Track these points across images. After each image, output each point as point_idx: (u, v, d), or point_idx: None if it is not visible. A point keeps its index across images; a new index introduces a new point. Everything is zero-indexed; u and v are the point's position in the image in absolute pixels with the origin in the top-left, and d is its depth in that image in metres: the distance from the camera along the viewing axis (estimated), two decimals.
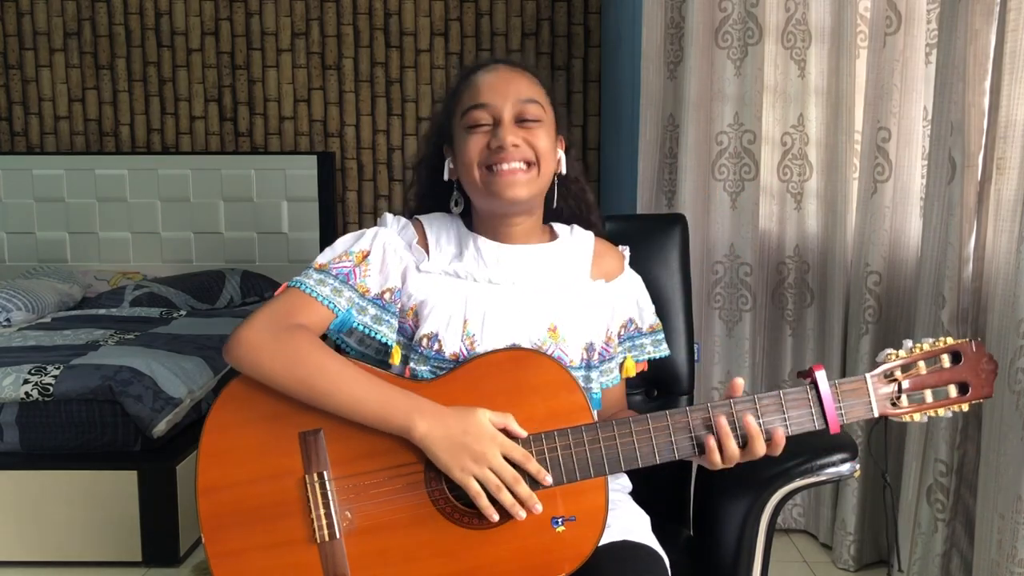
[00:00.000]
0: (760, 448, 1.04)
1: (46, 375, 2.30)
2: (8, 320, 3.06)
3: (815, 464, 1.15)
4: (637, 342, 1.27)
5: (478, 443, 1.01)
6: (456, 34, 3.95)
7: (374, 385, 1.05)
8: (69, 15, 3.95)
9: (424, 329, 1.13)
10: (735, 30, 2.38)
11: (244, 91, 3.99)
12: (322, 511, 1.04)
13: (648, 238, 1.32)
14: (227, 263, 3.90)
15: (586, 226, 1.30)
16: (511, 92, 1.15)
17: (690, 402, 1.52)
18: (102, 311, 3.30)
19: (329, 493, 1.04)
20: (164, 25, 3.95)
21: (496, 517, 1.02)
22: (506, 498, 1.01)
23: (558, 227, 1.28)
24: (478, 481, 1.02)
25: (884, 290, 2.18)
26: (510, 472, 1.02)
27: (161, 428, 2.30)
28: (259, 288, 3.69)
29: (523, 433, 1.04)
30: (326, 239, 3.91)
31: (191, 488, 2.58)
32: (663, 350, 1.29)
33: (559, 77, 3.95)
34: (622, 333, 1.26)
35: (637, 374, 1.29)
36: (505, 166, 1.13)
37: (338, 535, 1.04)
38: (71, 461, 2.31)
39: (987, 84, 1.71)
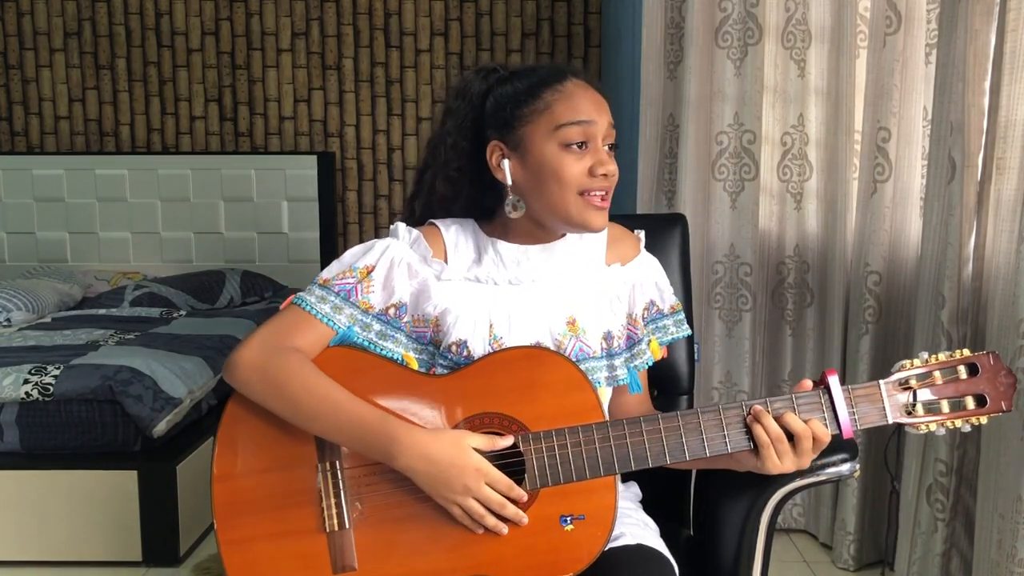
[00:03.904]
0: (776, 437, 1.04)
1: (46, 375, 2.30)
2: (8, 320, 3.06)
3: (815, 464, 1.15)
4: (660, 324, 1.26)
5: (462, 476, 1.00)
6: (456, 34, 3.96)
7: (356, 412, 1.04)
8: (69, 15, 3.95)
9: (452, 337, 1.13)
10: (735, 30, 2.38)
11: (244, 91, 3.99)
12: (333, 500, 1.05)
13: (648, 238, 1.32)
14: (227, 263, 3.90)
15: None
16: (605, 115, 1.13)
17: (690, 403, 1.52)
18: (102, 311, 3.30)
19: (341, 483, 1.05)
20: (164, 25, 3.95)
21: (481, 530, 1.03)
22: (489, 521, 1.02)
23: None
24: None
25: (884, 290, 2.18)
26: (497, 499, 1.02)
27: (161, 428, 2.30)
28: (259, 288, 3.69)
29: (509, 441, 1.05)
30: (326, 239, 3.91)
31: (191, 488, 2.59)
32: (685, 330, 1.28)
33: None
34: (645, 315, 1.25)
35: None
36: (601, 194, 1.11)
37: (348, 525, 1.04)
38: (71, 461, 2.31)
39: (987, 84, 1.71)
